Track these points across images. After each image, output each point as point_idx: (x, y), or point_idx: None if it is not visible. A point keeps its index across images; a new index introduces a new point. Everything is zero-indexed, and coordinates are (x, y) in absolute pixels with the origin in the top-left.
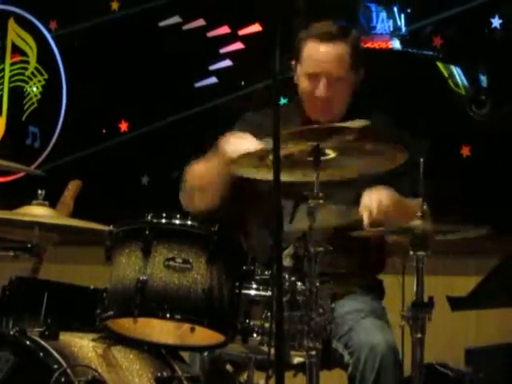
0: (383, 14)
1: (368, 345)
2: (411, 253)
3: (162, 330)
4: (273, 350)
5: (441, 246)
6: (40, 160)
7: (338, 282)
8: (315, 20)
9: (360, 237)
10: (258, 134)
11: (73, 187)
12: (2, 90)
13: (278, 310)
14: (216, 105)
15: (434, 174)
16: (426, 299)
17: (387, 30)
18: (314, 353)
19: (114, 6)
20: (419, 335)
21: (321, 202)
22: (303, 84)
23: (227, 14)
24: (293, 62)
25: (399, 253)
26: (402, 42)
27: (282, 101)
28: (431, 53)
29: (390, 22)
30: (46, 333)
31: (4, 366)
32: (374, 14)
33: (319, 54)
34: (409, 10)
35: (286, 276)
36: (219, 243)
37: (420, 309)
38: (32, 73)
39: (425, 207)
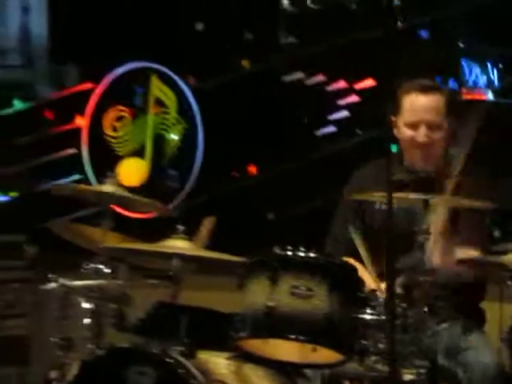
0: (477, 69)
1: (481, 363)
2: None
3: (287, 350)
4: (387, 369)
5: None
6: (179, 199)
7: (443, 307)
8: (416, 76)
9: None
10: (375, 186)
11: (208, 223)
12: (146, 137)
13: (391, 333)
14: (335, 151)
15: None
16: None
17: (481, 84)
18: (423, 371)
19: (245, 63)
20: None
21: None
22: (405, 134)
23: (344, 70)
24: (393, 118)
25: (497, 281)
26: (495, 94)
27: (393, 148)
28: None
29: (484, 77)
30: (185, 352)
31: (150, 380)
32: (467, 69)
33: (419, 104)
34: (500, 66)
35: (398, 302)
36: (338, 273)
37: None
38: (172, 122)
39: None
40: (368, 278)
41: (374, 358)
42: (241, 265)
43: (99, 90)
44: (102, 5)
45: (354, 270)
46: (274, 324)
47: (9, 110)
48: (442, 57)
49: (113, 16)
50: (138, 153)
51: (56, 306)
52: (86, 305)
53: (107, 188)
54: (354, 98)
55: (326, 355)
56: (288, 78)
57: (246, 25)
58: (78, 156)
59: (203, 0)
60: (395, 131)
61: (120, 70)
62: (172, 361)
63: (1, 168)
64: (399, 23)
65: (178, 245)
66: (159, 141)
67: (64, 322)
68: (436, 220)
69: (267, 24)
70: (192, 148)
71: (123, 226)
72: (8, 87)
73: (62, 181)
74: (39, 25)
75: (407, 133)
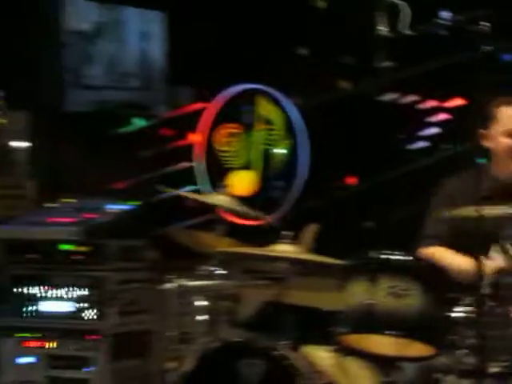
0: None
1: None
2: None
3: (383, 344)
4: (474, 362)
5: None
6: (284, 208)
7: None
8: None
9: None
10: (463, 196)
11: (311, 229)
12: (254, 151)
13: (480, 329)
14: (426, 164)
15: None
16: None
17: None
18: (507, 364)
19: (345, 84)
20: None
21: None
22: (503, 143)
23: (435, 90)
24: (483, 132)
25: None
26: None
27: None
28: None
29: None
30: (291, 345)
31: (259, 371)
32: None
33: None
34: None
35: (486, 301)
36: (431, 274)
37: None
38: (278, 138)
39: None
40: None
41: (462, 351)
42: (341, 267)
43: (211, 109)
44: (212, 33)
45: (445, 272)
46: (372, 321)
47: (130, 128)
48: None
49: (223, 42)
50: (247, 166)
51: (174, 303)
52: (201, 303)
53: (221, 199)
54: (444, 116)
55: (419, 349)
56: (384, 98)
57: (346, 49)
58: (192, 169)
59: (307, 27)
60: (487, 143)
61: (230, 91)
62: (279, 354)
63: (123, 180)
64: (485, 47)
65: (284, 249)
66: (266, 155)
67: (181, 318)
68: None
69: (366, 49)
70: (296, 161)
71: (235, 232)
72: (129, 107)
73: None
74: (156, 50)
75: (506, 141)
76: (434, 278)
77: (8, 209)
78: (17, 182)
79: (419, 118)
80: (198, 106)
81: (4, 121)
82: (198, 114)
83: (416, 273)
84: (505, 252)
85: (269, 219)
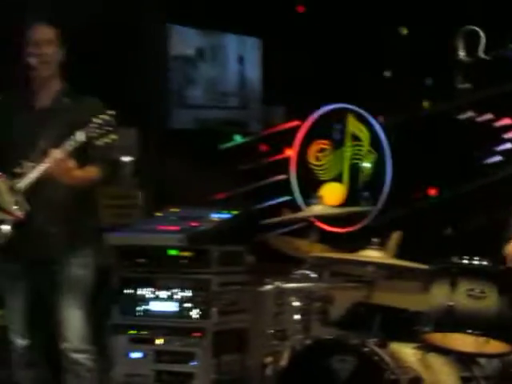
0: None
1: None
2: None
3: (463, 342)
4: None
5: None
6: (371, 216)
7: None
8: None
9: None
10: None
11: (396, 236)
12: (343, 165)
13: None
14: (501, 177)
15: None
16: None
17: None
18: None
19: (426, 104)
20: None
21: None
22: None
23: (509, 110)
24: None
25: None
26: None
27: None
28: None
29: None
30: (379, 343)
31: (350, 366)
32: None
33: None
34: None
35: None
36: (507, 278)
37: None
38: (365, 153)
39: None
40: None
41: None
42: (424, 271)
43: (304, 126)
44: (305, 57)
45: None
46: (453, 320)
47: (230, 144)
48: None
49: (315, 66)
50: (337, 178)
51: (271, 304)
52: (296, 303)
53: (314, 208)
54: None
55: (496, 346)
56: (462, 116)
57: (427, 72)
58: (287, 181)
59: (391, 52)
60: None
61: (322, 110)
62: (368, 350)
63: (224, 191)
64: None
65: (372, 254)
66: (354, 168)
67: (277, 317)
68: None
69: (446, 71)
70: (382, 174)
71: (326, 238)
72: (229, 125)
73: (273, 201)
74: (253, 73)
75: None
76: (510, 282)
77: (120, 217)
78: (127, 193)
79: (494, 135)
80: (293, 123)
81: (116, 137)
82: (292, 131)
83: (494, 277)
84: None
85: (354, 227)
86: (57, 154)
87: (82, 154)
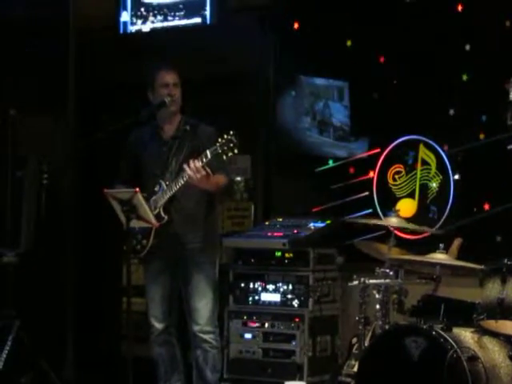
0: None
1: None
2: None
3: (511, 327)
4: None
5: None
6: (437, 226)
7: None
8: None
9: None
10: None
11: (457, 242)
12: (415, 185)
13: None
14: None
15: None
16: None
17: None
18: None
19: (481, 137)
20: None
21: None
22: None
23: None
24: None
25: None
26: None
27: None
28: None
29: None
30: (444, 327)
31: (421, 346)
32: None
33: None
34: None
35: None
36: None
37: None
38: (433, 175)
39: None
40: None
41: None
42: (480, 270)
43: (384, 153)
44: (385, 98)
45: None
46: (503, 310)
47: (325, 167)
48: None
49: (393, 105)
50: (410, 195)
51: (357, 295)
52: (377, 296)
53: (392, 220)
54: None
55: None
56: (510, 146)
57: (483, 110)
58: (371, 197)
59: (454, 94)
60: None
61: (398, 140)
62: (436, 333)
63: (320, 205)
64: None
65: (438, 257)
66: (424, 187)
67: (362, 307)
68: None
69: (498, 110)
70: (446, 193)
71: (402, 243)
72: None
73: (358, 214)
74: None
75: None
76: None
77: (237, 225)
78: (242, 206)
79: None
80: (375, 151)
81: (236, 151)
82: (374, 157)
83: None
84: None
85: (427, 234)
86: (196, 163)
87: (210, 167)
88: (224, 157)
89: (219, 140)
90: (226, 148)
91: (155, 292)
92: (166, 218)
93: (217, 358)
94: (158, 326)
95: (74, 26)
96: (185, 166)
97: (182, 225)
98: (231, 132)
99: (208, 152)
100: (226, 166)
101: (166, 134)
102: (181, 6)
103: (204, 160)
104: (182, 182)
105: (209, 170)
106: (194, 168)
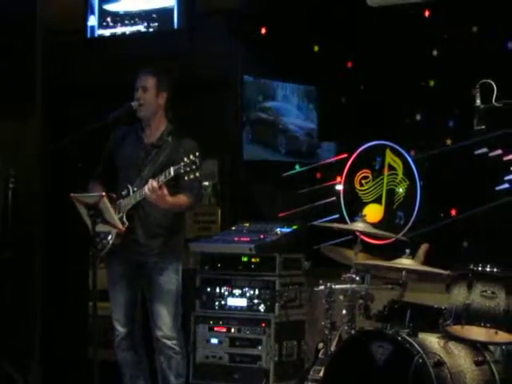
0: None
1: None
2: None
3: (478, 333)
4: None
5: None
6: (404, 231)
7: None
8: None
9: None
10: None
11: (424, 247)
12: (382, 190)
13: None
14: (508, 201)
15: None
16: None
17: None
18: None
19: (448, 142)
20: None
21: None
22: None
23: None
24: None
25: None
26: None
27: None
28: None
29: None
30: (410, 332)
31: (386, 352)
32: None
33: None
34: None
35: None
36: None
37: None
38: (399, 181)
39: None
40: None
41: None
42: (446, 276)
43: (351, 159)
44: (351, 103)
45: None
46: (469, 315)
47: (291, 172)
48: None
49: (359, 110)
50: (377, 200)
51: (323, 300)
52: (344, 301)
53: (359, 225)
54: None
55: (504, 337)
56: (477, 152)
57: (450, 116)
58: (337, 202)
59: (421, 99)
60: None
61: (365, 146)
62: (401, 339)
63: (286, 210)
64: None
65: (404, 262)
66: (391, 193)
67: (329, 312)
68: None
69: (466, 116)
70: (413, 198)
71: (368, 248)
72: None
73: (325, 219)
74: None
75: None
76: None
77: (204, 230)
78: (209, 211)
79: (503, 167)
80: (342, 156)
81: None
82: (341, 162)
83: (502, 280)
84: None
85: (393, 239)
86: (153, 183)
87: (175, 185)
88: (186, 177)
89: (184, 159)
90: (188, 169)
91: (117, 296)
92: (127, 223)
93: (181, 364)
94: (122, 329)
95: (40, 28)
96: (149, 181)
97: (145, 232)
98: (196, 154)
99: (172, 170)
100: (195, 185)
101: (147, 139)
102: (149, 12)
103: (166, 176)
104: (142, 196)
105: (166, 191)
106: (150, 187)
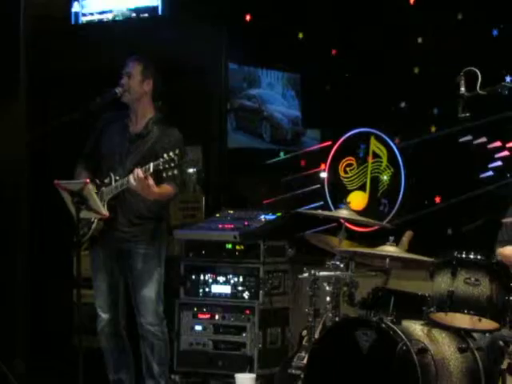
0: None
1: None
2: None
3: (461, 320)
4: None
5: None
6: (388, 219)
7: None
8: None
9: None
10: None
11: (408, 235)
12: (366, 178)
13: None
14: (491, 190)
15: None
16: None
17: None
18: None
19: (433, 129)
20: None
21: None
22: None
23: (499, 134)
24: None
25: None
26: None
27: None
28: None
29: None
30: (394, 320)
31: (370, 339)
32: None
33: None
34: None
35: None
36: (496, 270)
37: None
38: (384, 168)
39: None
40: None
41: None
42: (430, 263)
43: (336, 146)
44: (336, 90)
45: (507, 267)
46: (453, 303)
47: (277, 159)
48: None
49: (344, 97)
50: (361, 188)
51: (307, 288)
52: (328, 288)
53: (343, 212)
54: (505, 153)
55: (487, 324)
56: (462, 139)
57: (434, 103)
58: (322, 190)
59: (406, 87)
60: None
61: (350, 133)
62: (385, 326)
63: (271, 197)
64: None
65: (388, 249)
66: (375, 180)
67: (313, 299)
68: None
69: (450, 103)
70: (397, 185)
71: (352, 236)
72: (277, 145)
73: (310, 206)
74: (297, 104)
75: None
76: (499, 272)
77: (188, 217)
78: (193, 198)
79: (487, 155)
80: (326, 143)
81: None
82: (326, 150)
83: (486, 268)
84: None
85: (377, 226)
86: (139, 172)
87: (156, 178)
88: (164, 174)
89: (164, 156)
90: (167, 166)
91: (99, 282)
92: (108, 211)
93: (164, 351)
94: (104, 316)
95: (24, 14)
96: (134, 170)
97: (127, 219)
98: (176, 151)
99: (151, 165)
100: (177, 177)
101: (133, 127)
102: None
103: (146, 171)
104: (126, 184)
105: (152, 182)
106: (136, 177)
